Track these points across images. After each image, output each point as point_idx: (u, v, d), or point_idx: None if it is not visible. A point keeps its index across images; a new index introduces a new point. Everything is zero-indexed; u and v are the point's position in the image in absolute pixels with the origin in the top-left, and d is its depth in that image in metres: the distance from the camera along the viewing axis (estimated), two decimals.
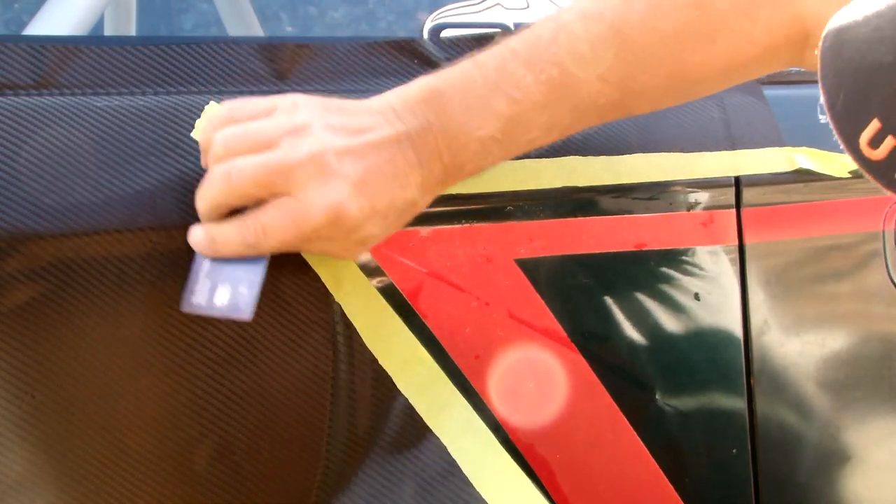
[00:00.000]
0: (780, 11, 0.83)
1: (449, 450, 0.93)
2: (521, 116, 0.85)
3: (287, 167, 0.80)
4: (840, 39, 0.64)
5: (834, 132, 0.65)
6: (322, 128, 0.81)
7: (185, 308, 0.83)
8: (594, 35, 0.85)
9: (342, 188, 0.80)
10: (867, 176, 0.65)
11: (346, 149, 0.81)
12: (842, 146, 0.65)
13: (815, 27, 0.80)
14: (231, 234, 0.82)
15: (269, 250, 0.82)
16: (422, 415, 0.92)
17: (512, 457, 0.96)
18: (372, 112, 0.84)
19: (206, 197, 0.82)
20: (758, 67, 0.88)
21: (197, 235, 0.82)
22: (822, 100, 0.65)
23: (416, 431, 0.93)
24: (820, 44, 0.66)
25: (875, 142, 0.62)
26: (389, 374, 0.92)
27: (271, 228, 0.81)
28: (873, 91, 0.62)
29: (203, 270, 0.83)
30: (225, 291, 0.83)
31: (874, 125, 0.62)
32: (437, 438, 0.93)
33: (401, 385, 0.92)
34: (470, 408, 0.94)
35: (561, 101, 0.85)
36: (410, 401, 0.92)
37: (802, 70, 1.21)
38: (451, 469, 0.94)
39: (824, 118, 0.65)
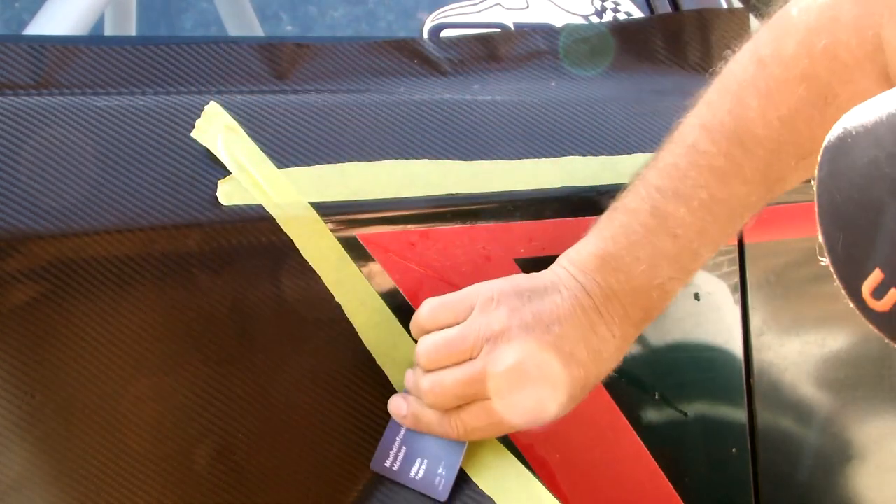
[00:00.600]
0: (867, 70, 0.84)
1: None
2: (687, 248, 0.88)
3: (487, 378, 0.85)
4: (836, 169, 0.62)
5: (834, 277, 0.63)
6: (519, 329, 0.85)
7: (376, 468, 0.89)
8: (723, 144, 0.87)
9: (541, 396, 0.86)
10: (871, 326, 0.62)
11: (542, 355, 0.85)
12: (843, 293, 0.62)
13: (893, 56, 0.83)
14: (434, 424, 0.87)
15: (466, 440, 0.88)
16: None
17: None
18: (561, 292, 0.87)
19: (418, 403, 0.88)
20: None
21: (400, 407, 0.89)
22: (820, 238, 0.64)
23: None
24: (816, 171, 0.64)
25: (878, 293, 0.60)
26: (388, 374, 0.92)
27: (473, 429, 0.87)
28: (874, 237, 0.59)
29: (399, 437, 0.89)
30: (422, 466, 0.88)
31: (876, 275, 0.59)
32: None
33: (398, 385, 0.92)
34: None
35: (718, 219, 0.88)
36: None
37: None
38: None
39: (824, 260, 0.63)
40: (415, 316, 0.89)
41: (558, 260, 0.90)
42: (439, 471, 0.87)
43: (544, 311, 0.86)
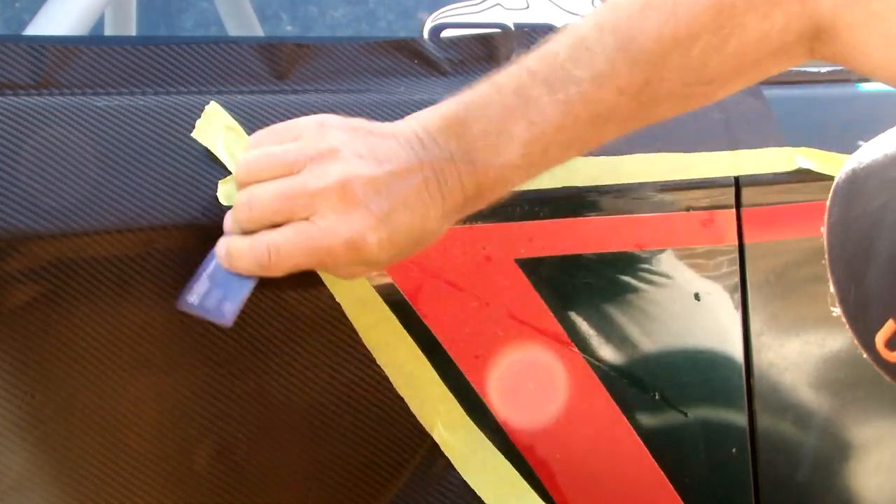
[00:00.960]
0: (793, 9, 0.82)
1: (442, 448, 0.94)
2: (540, 140, 0.84)
3: (309, 193, 0.80)
4: (846, 217, 0.62)
5: (847, 327, 0.62)
6: (350, 153, 0.81)
7: (179, 305, 0.83)
8: (611, 48, 0.84)
9: (365, 220, 0.80)
10: (885, 377, 0.62)
11: (371, 178, 0.81)
12: (856, 343, 0.62)
13: (828, 22, 0.80)
14: (244, 251, 0.81)
15: (281, 272, 0.82)
16: (416, 414, 0.93)
17: (511, 456, 0.96)
18: (398, 138, 0.84)
19: (230, 220, 0.83)
20: (771, 65, 0.87)
21: (220, 246, 0.83)
22: (832, 289, 0.63)
23: (413, 430, 0.93)
24: (826, 217, 0.63)
25: (892, 343, 0.59)
26: (388, 374, 0.92)
27: (286, 252, 0.81)
28: (886, 288, 0.59)
29: (206, 272, 0.84)
30: (217, 295, 0.83)
31: (890, 326, 0.59)
32: (432, 438, 0.93)
33: (397, 385, 0.92)
34: (460, 408, 0.95)
35: (579, 120, 0.85)
36: (406, 400, 0.92)
37: (802, 70, 1.21)
38: (446, 467, 0.94)
39: (836, 310, 0.63)
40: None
41: (405, 118, 0.86)
42: (228, 298, 0.83)
43: (378, 149, 0.82)
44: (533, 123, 0.83)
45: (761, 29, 0.83)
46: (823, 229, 0.63)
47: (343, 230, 0.80)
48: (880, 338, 0.60)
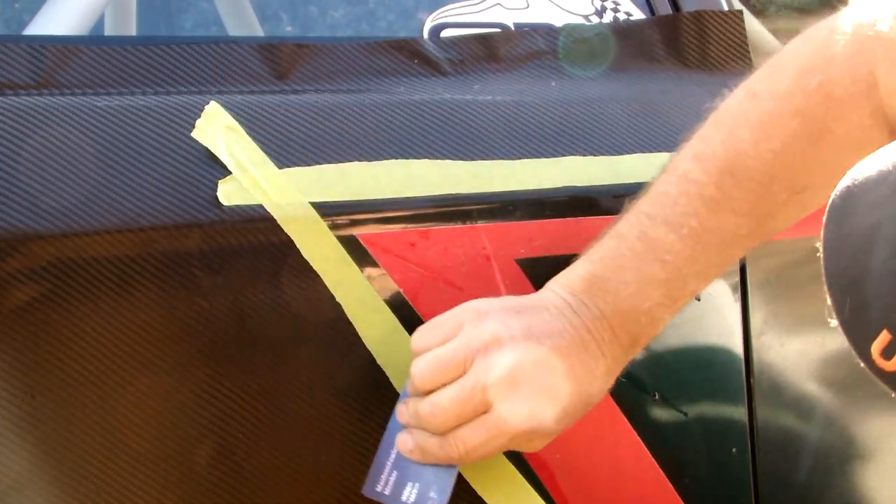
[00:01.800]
0: (864, 108, 0.86)
1: None
2: (676, 276, 0.88)
3: (484, 389, 0.84)
4: (840, 232, 0.63)
5: (844, 338, 0.63)
6: (512, 339, 0.85)
7: (367, 493, 0.88)
8: (714, 175, 0.87)
9: (539, 400, 0.85)
10: (881, 385, 0.63)
11: (536, 361, 0.85)
12: (853, 353, 0.63)
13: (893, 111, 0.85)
14: (436, 450, 0.86)
15: (470, 462, 0.87)
16: None
17: (511, 456, 0.96)
18: (550, 310, 0.88)
19: (409, 416, 0.88)
20: (861, 153, 0.91)
21: (406, 442, 0.88)
22: (828, 300, 0.64)
23: None
24: (822, 232, 0.65)
25: (887, 352, 0.60)
26: (388, 374, 0.92)
27: (473, 447, 0.86)
28: (879, 299, 0.60)
29: (390, 460, 0.88)
30: (413, 490, 0.87)
31: (885, 336, 0.60)
32: None
33: (397, 385, 0.92)
34: None
35: (707, 248, 0.88)
36: None
37: None
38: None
39: (834, 322, 0.64)
40: (411, 344, 0.89)
41: (547, 284, 0.90)
42: (431, 494, 0.87)
43: (535, 326, 0.87)
44: (666, 262, 0.87)
45: (845, 129, 0.86)
46: (819, 245, 0.64)
47: (522, 415, 0.85)
48: (875, 347, 0.61)
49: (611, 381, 0.90)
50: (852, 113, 0.86)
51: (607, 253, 0.89)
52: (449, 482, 0.87)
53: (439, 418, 0.85)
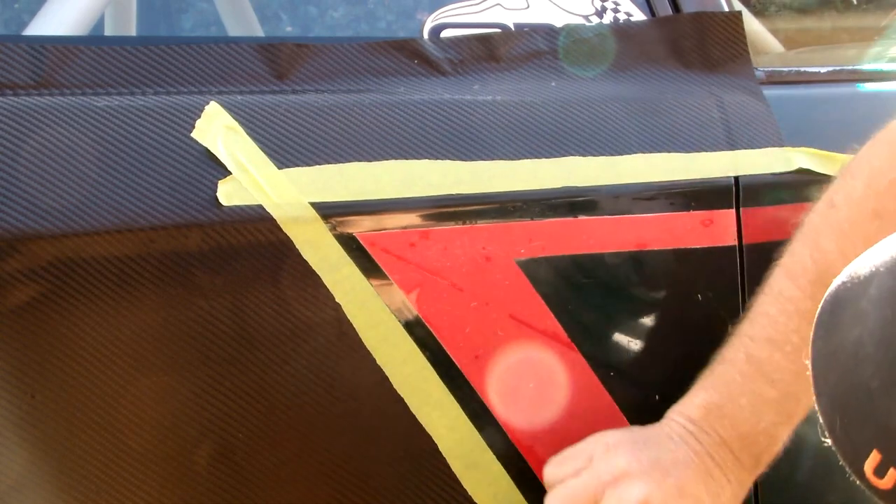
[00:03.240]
0: None
1: (440, 448, 0.94)
2: (787, 393, 0.90)
3: None
4: (827, 349, 0.64)
5: (838, 455, 0.64)
6: (640, 472, 0.88)
7: None
8: (808, 288, 0.90)
9: None
10: (880, 503, 0.64)
11: (665, 493, 0.87)
12: (848, 472, 0.64)
13: None
14: None
15: None
16: (415, 413, 0.93)
17: (512, 456, 0.96)
18: (673, 439, 0.90)
19: None
20: None
21: None
22: (820, 419, 0.65)
23: (411, 430, 0.93)
24: (810, 348, 0.66)
25: (879, 471, 0.61)
26: (387, 374, 0.92)
27: None
28: (868, 419, 0.61)
29: None
30: None
31: (875, 455, 0.61)
32: (430, 438, 0.93)
33: (397, 385, 0.92)
34: (459, 408, 0.95)
35: None
36: (406, 400, 0.92)
37: (802, 70, 1.21)
38: (441, 467, 0.94)
39: (827, 441, 0.65)
40: (544, 476, 0.92)
41: (667, 414, 0.93)
42: None
43: (661, 457, 0.89)
44: (775, 381, 0.90)
45: None
46: (808, 362, 0.65)
47: None
48: (868, 466, 0.62)
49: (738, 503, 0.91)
50: None
51: (718, 379, 0.92)
52: None
53: None
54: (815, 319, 0.66)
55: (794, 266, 0.92)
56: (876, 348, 0.60)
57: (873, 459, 0.61)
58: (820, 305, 0.66)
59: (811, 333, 0.66)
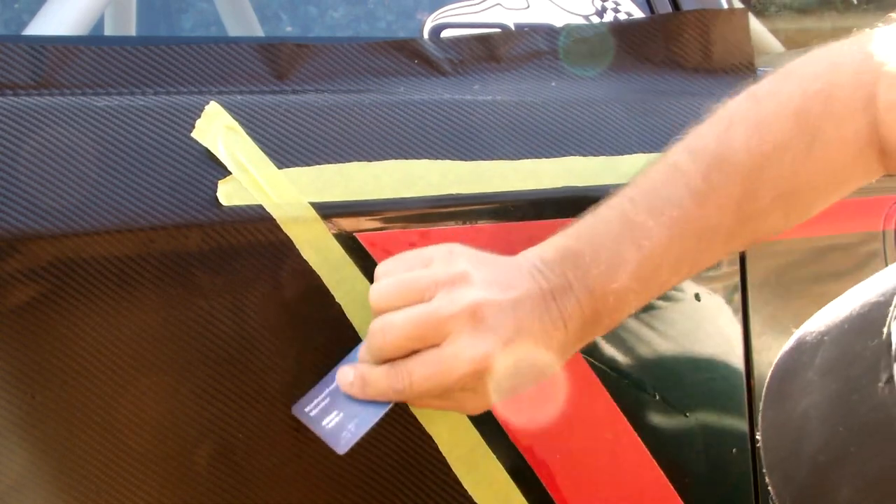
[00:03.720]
0: (860, 119, 0.87)
1: (440, 448, 0.94)
2: (650, 261, 0.87)
3: (441, 319, 0.82)
4: (776, 421, 0.63)
5: None
6: (479, 279, 0.84)
7: (295, 411, 0.86)
8: (704, 167, 0.88)
9: (492, 341, 0.82)
10: None
11: (500, 304, 0.83)
12: None
13: (889, 143, 0.87)
14: (381, 379, 0.84)
15: (412, 399, 0.85)
16: (415, 413, 0.93)
17: (512, 456, 0.96)
18: (520, 269, 0.87)
19: (366, 349, 0.85)
20: (852, 174, 0.92)
21: (346, 374, 0.86)
22: (771, 493, 0.65)
23: (411, 430, 0.93)
24: (759, 419, 0.65)
25: None
26: None
27: (418, 378, 0.83)
28: (818, 494, 0.60)
29: (328, 388, 0.86)
30: (335, 418, 0.85)
31: None
32: (431, 438, 0.93)
33: None
34: None
35: (685, 238, 0.88)
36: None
37: None
38: (441, 468, 0.94)
39: None
40: (375, 272, 0.88)
41: (521, 252, 0.89)
42: (349, 426, 0.85)
43: (503, 276, 0.85)
44: (641, 247, 0.87)
45: (839, 135, 0.87)
46: (758, 435, 0.65)
47: (471, 352, 0.82)
48: None
49: (565, 357, 0.88)
50: (848, 120, 0.87)
51: (584, 230, 0.88)
52: (373, 419, 0.85)
53: (389, 336, 0.83)
54: (764, 387, 0.65)
55: (697, 144, 0.90)
56: (822, 423, 0.60)
57: None
58: (769, 373, 0.65)
59: (761, 403, 0.65)
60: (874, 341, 0.58)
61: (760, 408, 0.64)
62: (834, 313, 0.64)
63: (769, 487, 0.64)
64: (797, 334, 0.65)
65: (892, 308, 0.58)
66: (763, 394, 0.64)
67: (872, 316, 0.61)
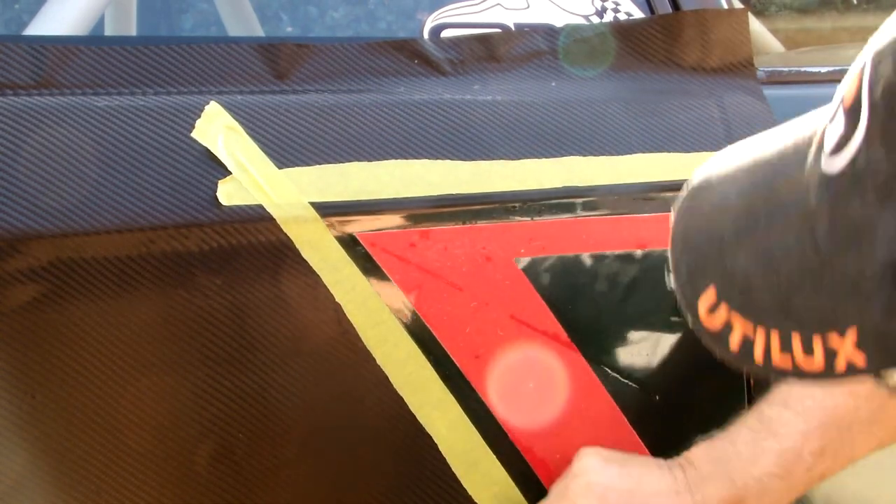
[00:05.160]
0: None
1: (440, 448, 0.94)
2: (790, 448, 0.92)
3: None
4: (694, 204, 0.64)
5: (678, 297, 0.65)
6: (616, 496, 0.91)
7: None
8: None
9: None
10: (709, 348, 0.65)
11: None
12: (685, 313, 0.65)
13: None
14: None
15: None
16: (415, 413, 0.93)
17: (512, 456, 0.96)
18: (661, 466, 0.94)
19: None
20: None
21: None
22: (670, 263, 0.65)
23: (411, 430, 0.93)
24: (673, 207, 0.66)
25: (713, 308, 0.62)
26: (387, 373, 0.92)
27: None
28: (713, 262, 0.62)
29: None
30: None
31: (710, 292, 0.62)
32: (431, 438, 0.93)
33: (397, 384, 0.92)
34: (459, 408, 0.95)
35: (824, 424, 0.92)
36: (405, 400, 0.92)
37: (802, 70, 1.21)
38: (441, 467, 0.94)
39: (670, 283, 0.65)
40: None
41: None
42: None
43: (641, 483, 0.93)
44: (778, 435, 0.92)
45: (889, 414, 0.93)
46: (671, 214, 0.66)
47: None
48: (703, 304, 0.62)
49: None
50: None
51: (725, 433, 0.94)
52: None
53: None
54: (687, 188, 0.66)
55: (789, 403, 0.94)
56: (738, 198, 0.61)
57: (708, 297, 0.61)
58: (692, 178, 0.66)
59: (680, 194, 0.66)
60: (807, 132, 0.59)
61: (678, 198, 0.65)
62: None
63: (669, 259, 0.65)
64: (718, 156, 0.65)
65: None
66: (683, 192, 0.65)
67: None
